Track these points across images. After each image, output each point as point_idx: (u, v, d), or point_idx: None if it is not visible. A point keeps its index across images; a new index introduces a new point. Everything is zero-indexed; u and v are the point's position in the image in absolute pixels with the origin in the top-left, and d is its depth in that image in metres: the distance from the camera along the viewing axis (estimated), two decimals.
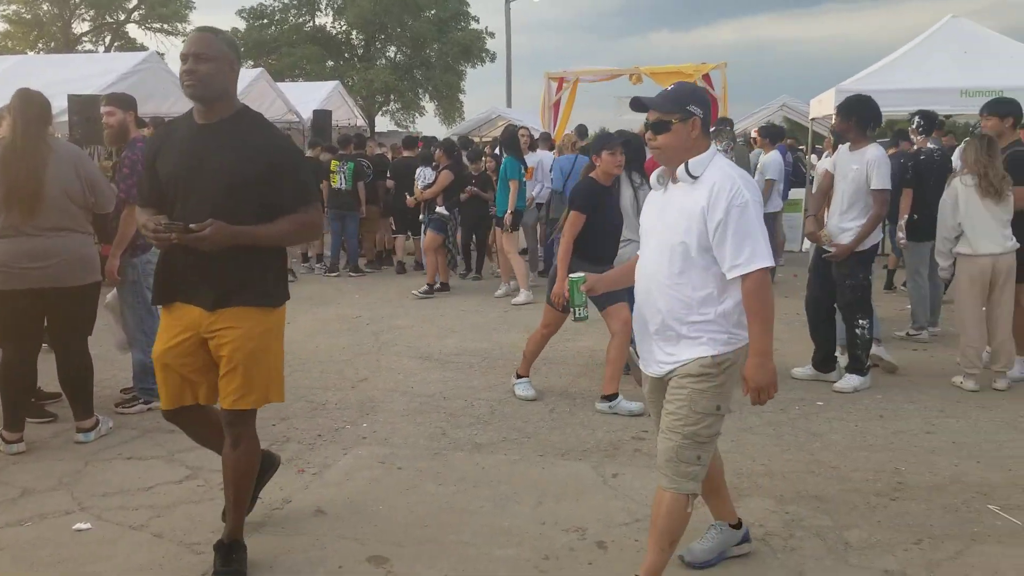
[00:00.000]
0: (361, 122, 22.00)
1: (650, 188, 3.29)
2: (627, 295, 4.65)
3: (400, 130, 35.02)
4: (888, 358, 6.40)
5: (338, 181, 11.37)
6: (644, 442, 4.90)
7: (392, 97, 38.22)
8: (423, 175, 10.84)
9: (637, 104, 3.11)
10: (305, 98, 18.36)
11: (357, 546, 3.65)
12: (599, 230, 5.55)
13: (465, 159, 11.72)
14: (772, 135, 10.82)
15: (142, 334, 5.38)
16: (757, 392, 2.99)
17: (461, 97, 40.36)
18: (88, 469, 4.54)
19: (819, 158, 14.09)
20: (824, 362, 6.15)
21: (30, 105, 4.71)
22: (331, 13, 39.15)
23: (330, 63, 37.42)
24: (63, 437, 5.02)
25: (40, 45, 37.35)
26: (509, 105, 28.67)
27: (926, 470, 4.49)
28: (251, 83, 15.87)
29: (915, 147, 7.77)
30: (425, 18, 37.49)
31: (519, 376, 5.91)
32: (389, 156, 13.88)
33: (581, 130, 12.71)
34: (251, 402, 3.32)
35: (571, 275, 3.49)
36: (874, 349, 6.24)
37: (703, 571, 3.45)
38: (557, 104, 15.88)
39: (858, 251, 5.80)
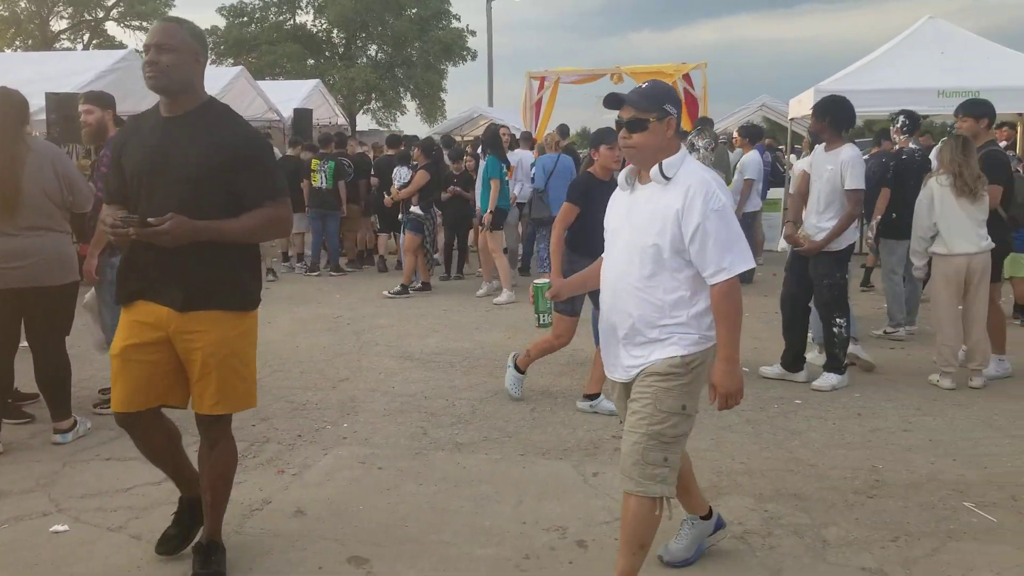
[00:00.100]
0: (342, 121, 21.96)
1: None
2: None
3: (381, 129, 34.93)
4: (865, 357, 6.46)
5: (319, 180, 11.33)
6: None
7: (373, 96, 38.12)
8: (399, 174, 10.80)
9: (612, 100, 3.04)
10: (285, 96, 18.31)
11: (337, 547, 3.64)
12: (594, 224, 5.54)
13: (447, 158, 11.72)
14: (751, 135, 10.89)
15: None
16: (724, 398, 2.97)
17: (443, 96, 40.37)
18: (66, 470, 4.51)
19: (798, 158, 14.21)
20: (793, 362, 6.17)
21: (7, 103, 4.67)
22: (312, 11, 39.02)
23: (311, 61, 37.29)
24: (40, 438, 4.98)
25: (18, 43, 36.93)
26: (491, 104, 28.68)
27: (903, 468, 4.53)
28: (231, 81, 15.81)
29: (896, 146, 7.82)
30: (406, 17, 37.42)
31: (518, 368, 5.75)
32: (370, 155, 13.85)
33: (563, 129, 12.72)
34: (228, 407, 3.28)
35: (535, 281, 3.46)
36: (852, 348, 6.30)
37: (683, 570, 3.46)
38: (539, 103, 15.92)
39: (835, 250, 5.85)
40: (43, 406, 5.06)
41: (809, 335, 6.51)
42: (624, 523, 3.06)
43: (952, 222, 5.84)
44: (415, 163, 10.78)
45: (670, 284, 2.94)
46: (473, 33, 38.66)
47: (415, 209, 10.15)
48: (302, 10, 39.09)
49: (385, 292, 9.97)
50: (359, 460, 4.67)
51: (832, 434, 5.08)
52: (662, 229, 2.91)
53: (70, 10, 38.83)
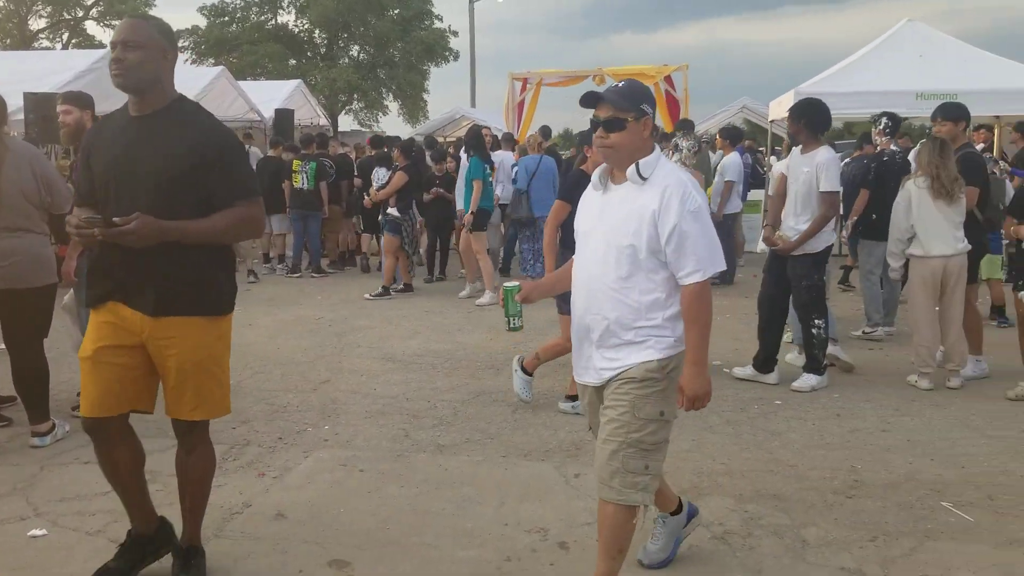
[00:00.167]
0: (324, 121, 21.88)
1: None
2: None
3: (363, 129, 34.84)
4: (844, 357, 6.51)
5: (300, 181, 11.30)
6: None
7: (355, 96, 38.00)
8: (378, 175, 10.77)
9: (590, 98, 2.99)
10: (267, 97, 18.23)
11: (318, 550, 3.63)
12: None
13: (429, 159, 11.72)
14: (731, 137, 10.95)
15: None
16: (691, 401, 2.93)
17: (425, 96, 40.28)
18: (43, 474, 4.47)
19: (778, 160, 14.32)
20: (764, 363, 6.20)
21: None
22: (293, 11, 38.84)
23: (292, 61, 37.10)
24: (18, 441, 4.93)
25: None
26: (473, 105, 28.70)
27: (881, 468, 4.57)
28: (212, 81, 15.74)
29: (877, 148, 7.87)
30: (388, 17, 37.31)
31: (525, 370, 5.63)
32: (352, 155, 13.83)
33: (545, 131, 12.77)
34: (206, 413, 3.23)
35: (505, 284, 3.41)
36: (831, 349, 6.35)
37: (664, 570, 3.48)
38: (521, 104, 15.96)
39: (812, 252, 5.90)
40: (21, 409, 5.02)
41: (787, 336, 6.56)
42: (601, 529, 3.04)
43: (929, 224, 5.90)
44: (397, 164, 10.75)
45: (646, 286, 2.91)
46: (455, 33, 38.67)
47: (392, 211, 10.10)
48: (284, 10, 38.92)
49: (367, 294, 9.94)
50: (340, 462, 4.66)
51: (812, 435, 5.11)
52: (638, 229, 2.87)
53: (49, 9, 38.49)
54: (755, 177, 13.34)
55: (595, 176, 3.09)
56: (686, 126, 10.54)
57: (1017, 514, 3.96)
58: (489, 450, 4.86)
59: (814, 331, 5.98)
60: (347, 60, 38.47)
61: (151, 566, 3.42)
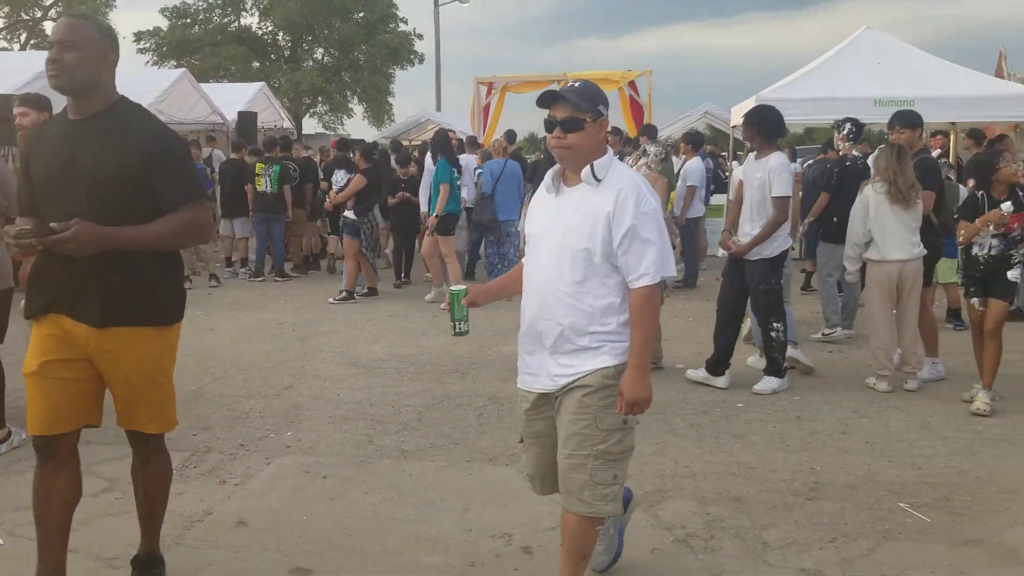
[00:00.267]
0: (288, 124, 21.75)
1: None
2: None
3: (328, 132, 34.68)
4: (805, 360, 6.59)
5: (263, 184, 11.21)
6: None
7: (320, 99, 37.80)
8: (337, 178, 10.70)
9: (548, 97, 2.92)
10: (230, 99, 18.07)
11: (280, 558, 3.60)
12: None
13: (393, 163, 11.69)
14: (693, 142, 11.04)
15: None
16: (630, 406, 2.84)
17: (390, 100, 40.20)
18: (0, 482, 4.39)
19: (739, 164, 14.49)
20: (716, 366, 6.25)
21: None
22: (257, 14, 38.55)
23: (256, 64, 36.82)
24: None
25: None
26: (439, 109, 28.64)
27: (840, 470, 4.63)
28: (174, 83, 15.58)
29: (840, 153, 7.99)
30: (353, 20, 37.18)
31: None
32: (316, 159, 13.75)
33: (510, 135, 12.81)
34: (160, 426, 3.17)
35: (451, 288, 3.35)
36: (791, 352, 6.43)
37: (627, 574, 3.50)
38: (487, 108, 15.97)
39: (769, 257, 5.97)
40: None
41: (742, 336, 6.63)
42: (565, 538, 3.03)
43: (886, 229, 6.00)
44: (358, 167, 10.69)
45: (600, 290, 2.87)
46: (420, 36, 38.65)
47: (348, 213, 10.02)
48: (247, 12, 38.63)
49: (330, 298, 9.88)
50: (303, 469, 4.62)
51: (772, 437, 5.17)
52: (592, 232, 2.83)
53: (6, 9, 37.75)
54: (717, 182, 13.48)
55: (547, 178, 3.04)
56: (649, 131, 10.64)
57: (972, 515, 4.04)
58: (453, 455, 4.86)
59: (773, 334, 6.06)
60: (311, 63, 38.26)
61: (114, 573, 3.37)
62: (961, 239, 5.53)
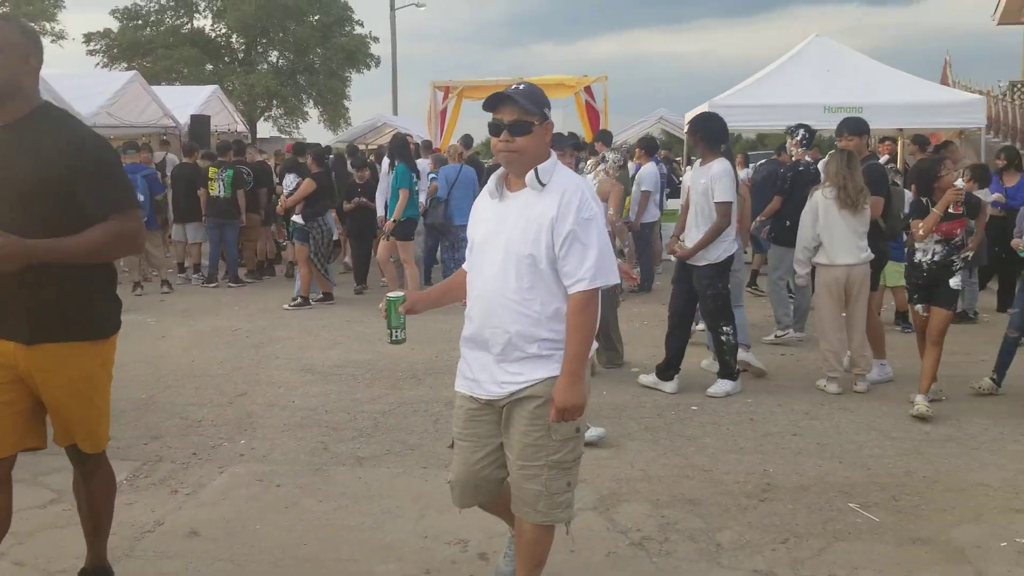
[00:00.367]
0: (242, 128, 21.52)
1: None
2: None
3: (283, 136, 34.36)
4: (757, 363, 6.68)
5: (216, 188, 11.07)
6: None
7: (275, 102, 37.44)
8: (287, 182, 10.58)
9: (494, 100, 2.85)
10: (182, 102, 17.85)
11: (232, 568, 3.56)
12: None
13: (350, 167, 11.61)
14: (648, 148, 11.14)
15: None
16: (561, 413, 2.78)
17: (346, 103, 39.96)
18: None
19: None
20: (665, 371, 6.29)
21: None
22: (210, 16, 38.10)
23: (209, 67, 36.36)
24: None
25: None
26: (396, 113, 28.55)
27: (792, 471, 4.70)
28: (124, 86, 15.34)
29: (792, 158, 8.13)
30: (308, 23, 36.90)
31: None
32: (271, 163, 13.62)
33: (467, 140, 12.80)
34: (93, 446, 3.06)
35: (388, 295, 3.28)
36: (743, 355, 6.52)
37: None
38: (443, 113, 15.98)
39: (715, 262, 6.04)
40: None
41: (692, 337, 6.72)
42: (520, 547, 3.03)
43: (835, 233, 6.11)
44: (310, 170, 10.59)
45: (547, 296, 2.81)
46: (376, 39, 38.46)
47: (296, 218, 9.90)
48: (200, 14, 38.15)
49: (285, 304, 9.79)
50: (256, 477, 4.57)
51: (726, 439, 5.23)
52: (537, 238, 2.78)
53: None
54: (671, 187, 13.60)
55: (490, 183, 2.98)
56: (604, 137, 10.70)
57: (919, 514, 4.12)
58: (409, 461, 4.84)
59: (723, 338, 6.13)
60: (266, 66, 37.90)
61: None
62: (923, 231, 5.59)
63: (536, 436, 2.85)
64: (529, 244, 2.79)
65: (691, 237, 6.13)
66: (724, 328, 6.11)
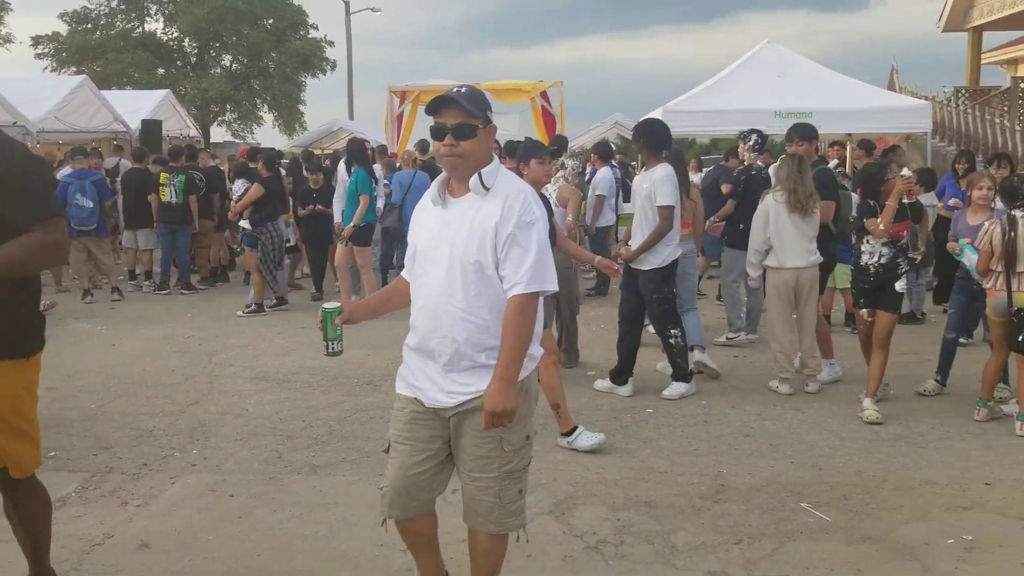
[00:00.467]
0: (194, 132, 21.22)
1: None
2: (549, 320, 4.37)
3: (237, 141, 33.94)
4: (712, 365, 6.76)
5: (168, 194, 10.91)
6: None
7: (228, 107, 36.98)
8: (236, 187, 10.44)
9: (436, 104, 2.80)
10: (133, 107, 17.58)
11: None
12: None
13: (305, 172, 11.51)
14: (602, 153, 11.21)
15: None
16: (491, 417, 2.72)
17: (302, 108, 39.61)
18: None
19: None
20: (619, 375, 6.34)
21: None
22: (162, 19, 37.51)
23: (161, 71, 35.81)
24: None
25: None
26: (351, 117, 28.41)
27: (745, 472, 4.76)
28: (73, 90, 15.08)
29: (744, 162, 8.24)
30: (262, 27, 36.51)
31: (571, 434, 5.11)
32: (224, 168, 13.46)
33: (423, 145, 12.73)
34: (24, 470, 2.93)
35: (324, 306, 3.16)
36: (698, 356, 6.59)
37: None
38: (400, 117, 15.87)
39: (660, 267, 6.09)
40: None
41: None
42: (475, 557, 3.01)
43: (784, 237, 6.21)
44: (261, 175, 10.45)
45: (495, 304, 2.76)
46: (332, 44, 38.21)
47: (243, 224, 9.78)
48: (151, 18, 37.53)
49: (239, 311, 9.67)
50: (209, 488, 4.51)
51: (680, 441, 5.28)
52: (482, 243, 2.74)
53: None
54: (626, 191, 13.68)
55: (432, 189, 2.92)
56: (560, 142, 10.74)
57: (869, 512, 4.20)
58: (365, 469, 4.81)
59: (672, 340, 6.19)
60: (219, 70, 37.44)
61: None
62: (883, 225, 5.63)
63: (488, 448, 2.82)
64: (475, 250, 2.74)
65: (636, 241, 6.19)
66: (672, 331, 6.17)
